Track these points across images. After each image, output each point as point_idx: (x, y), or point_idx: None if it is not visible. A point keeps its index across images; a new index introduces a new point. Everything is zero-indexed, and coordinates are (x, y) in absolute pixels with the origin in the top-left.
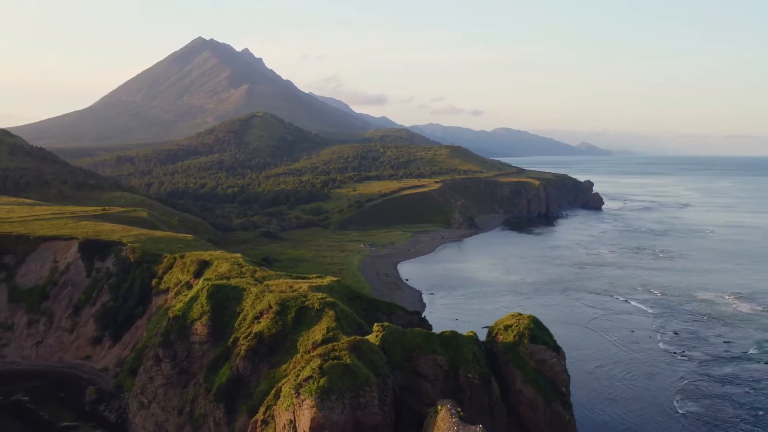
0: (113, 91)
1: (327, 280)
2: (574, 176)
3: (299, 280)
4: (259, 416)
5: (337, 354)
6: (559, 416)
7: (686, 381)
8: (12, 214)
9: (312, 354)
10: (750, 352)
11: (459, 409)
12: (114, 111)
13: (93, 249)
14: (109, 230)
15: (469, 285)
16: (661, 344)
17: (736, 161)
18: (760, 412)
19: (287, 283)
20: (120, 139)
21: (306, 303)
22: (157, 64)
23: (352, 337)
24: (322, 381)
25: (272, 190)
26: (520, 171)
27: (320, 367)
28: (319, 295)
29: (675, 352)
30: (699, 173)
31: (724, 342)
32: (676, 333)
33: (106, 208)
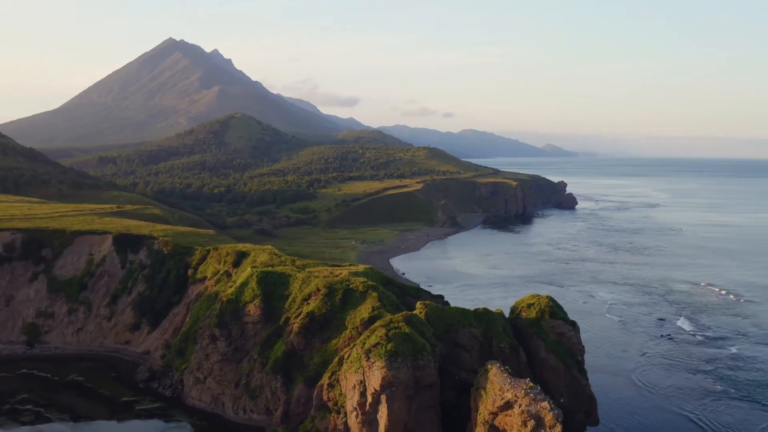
0: (84, 91)
1: (361, 267)
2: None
3: (337, 268)
4: (324, 381)
5: (396, 325)
6: (577, 380)
7: (671, 359)
8: (35, 211)
9: (375, 325)
10: (725, 335)
11: (507, 367)
12: (85, 111)
13: (126, 242)
14: (136, 225)
15: (461, 278)
16: (646, 329)
17: (701, 163)
18: (735, 384)
19: (328, 269)
20: (93, 140)
21: (351, 286)
22: (128, 64)
23: (403, 312)
24: (389, 346)
25: (259, 190)
26: (497, 172)
27: (386, 335)
28: (361, 279)
29: (662, 335)
30: (665, 175)
31: (702, 326)
32: (661, 319)
33: (120, 206)
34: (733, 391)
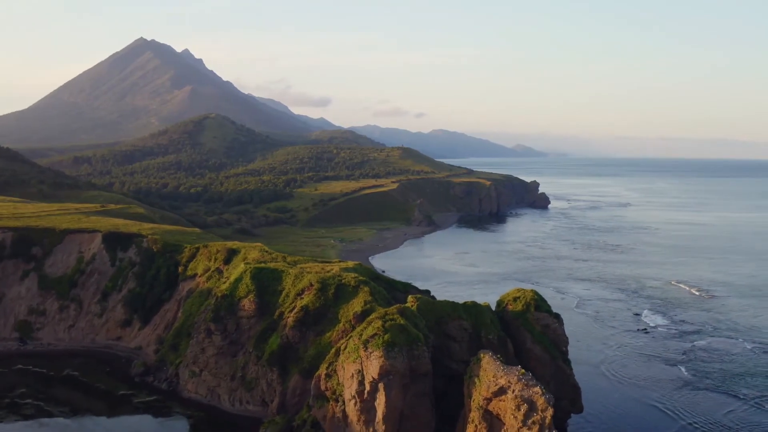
0: (54, 91)
1: (350, 263)
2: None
3: (327, 264)
4: (322, 372)
5: (391, 317)
6: (562, 370)
7: (647, 352)
8: (21, 211)
9: (371, 317)
10: (697, 329)
11: (499, 356)
12: (56, 111)
13: (115, 240)
14: (124, 224)
15: (441, 276)
16: (622, 323)
17: (671, 163)
18: (707, 375)
19: (319, 265)
20: (65, 140)
21: (343, 281)
22: (99, 64)
23: (397, 305)
24: (386, 337)
25: (236, 189)
26: (470, 172)
27: (383, 326)
28: (353, 274)
29: (637, 329)
30: (636, 175)
31: (675, 321)
32: (636, 314)
33: (104, 205)
34: (705, 381)
